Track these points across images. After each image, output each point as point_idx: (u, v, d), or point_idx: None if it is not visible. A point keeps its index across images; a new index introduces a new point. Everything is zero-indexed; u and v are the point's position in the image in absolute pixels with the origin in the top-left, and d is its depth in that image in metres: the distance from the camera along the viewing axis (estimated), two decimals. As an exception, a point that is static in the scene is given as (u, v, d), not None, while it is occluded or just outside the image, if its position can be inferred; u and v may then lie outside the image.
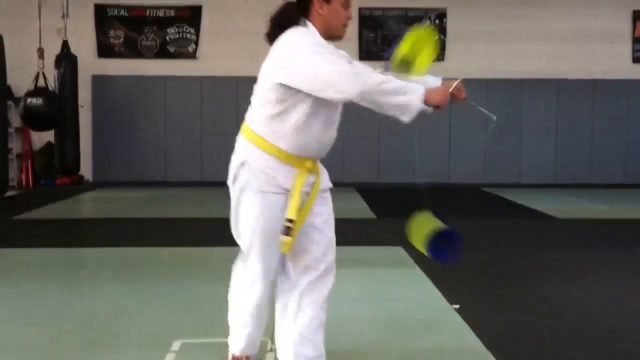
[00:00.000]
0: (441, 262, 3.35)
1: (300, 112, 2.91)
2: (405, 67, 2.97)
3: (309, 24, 2.99)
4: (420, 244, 3.18)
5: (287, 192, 3.00)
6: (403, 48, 2.98)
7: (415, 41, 2.99)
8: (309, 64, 2.83)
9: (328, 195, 3.21)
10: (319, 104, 2.90)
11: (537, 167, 13.36)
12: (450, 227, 3.18)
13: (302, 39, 2.90)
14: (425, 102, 2.83)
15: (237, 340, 3.29)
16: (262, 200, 3.00)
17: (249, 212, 3.04)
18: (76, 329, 4.19)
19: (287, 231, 2.94)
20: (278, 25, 2.97)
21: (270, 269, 3.13)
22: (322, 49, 2.89)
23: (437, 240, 3.12)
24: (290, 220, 2.94)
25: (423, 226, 3.19)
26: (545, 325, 4.30)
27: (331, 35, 3.01)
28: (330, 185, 3.22)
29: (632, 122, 13.41)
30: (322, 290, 3.15)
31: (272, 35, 2.98)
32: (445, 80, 3.05)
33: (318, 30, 2.98)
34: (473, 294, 5.06)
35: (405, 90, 2.80)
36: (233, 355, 3.33)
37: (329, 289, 3.18)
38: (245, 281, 3.18)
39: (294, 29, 2.94)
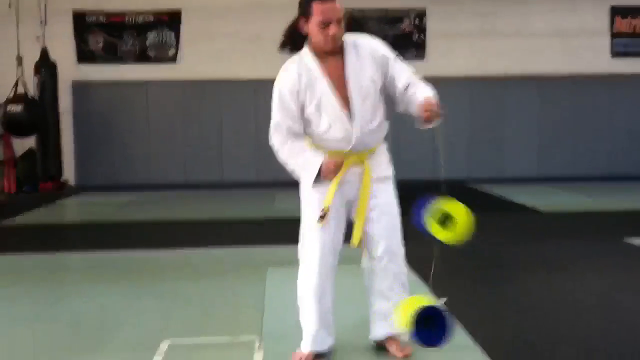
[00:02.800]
0: (430, 345, 3.32)
1: (309, 121, 3.41)
2: (445, 219, 3.28)
3: (306, 45, 3.41)
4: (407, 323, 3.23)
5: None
6: (443, 207, 3.28)
7: (450, 206, 3.29)
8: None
9: (381, 187, 3.52)
10: (316, 112, 3.36)
11: (520, 161, 13.42)
12: (438, 307, 3.27)
13: (276, 86, 3.41)
14: (320, 176, 3.37)
15: None
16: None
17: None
18: (63, 332, 4.17)
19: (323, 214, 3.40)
20: (288, 43, 3.49)
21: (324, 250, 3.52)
22: (278, 101, 3.38)
23: (423, 323, 3.23)
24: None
25: (410, 307, 3.27)
26: (532, 318, 4.32)
27: (321, 49, 3.35)
28: (386, 174, 3.57)
29: (613, 115, 13.51)
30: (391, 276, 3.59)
31: (284, 48, 3.51)
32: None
33: (313, 46, 3.37)
34: (459, 288, 5.08)
35: (304, 167, 3.41)
36: None
37: (394, 274, 3.57)
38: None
39: (284, 65, 3.42)
